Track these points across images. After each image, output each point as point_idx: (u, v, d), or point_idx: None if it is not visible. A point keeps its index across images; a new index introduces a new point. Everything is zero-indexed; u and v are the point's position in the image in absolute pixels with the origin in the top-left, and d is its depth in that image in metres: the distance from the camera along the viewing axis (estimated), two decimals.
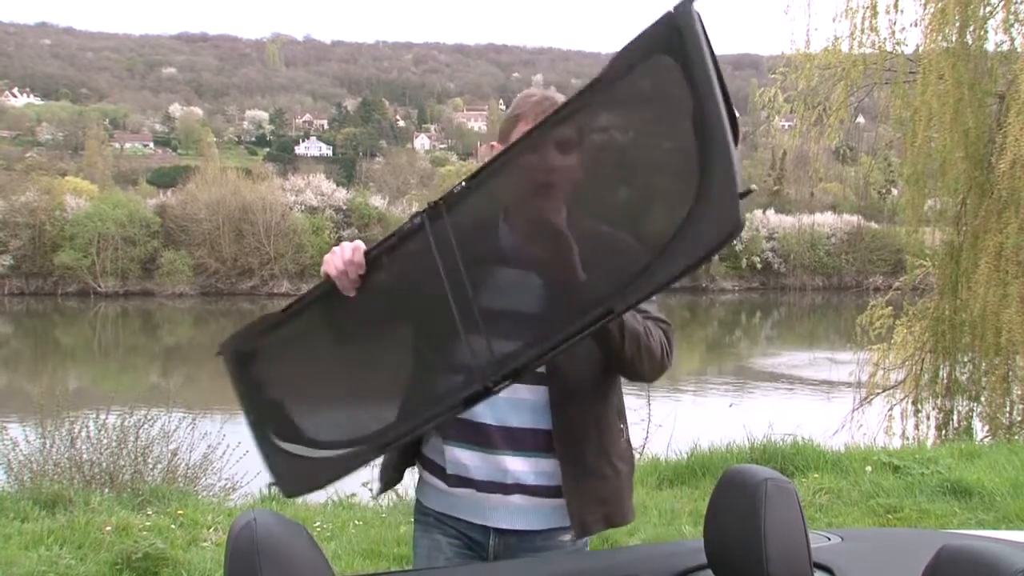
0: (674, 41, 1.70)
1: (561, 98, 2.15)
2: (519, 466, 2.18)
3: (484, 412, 2.16)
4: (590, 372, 2.19)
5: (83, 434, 7.57)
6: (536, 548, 2.23)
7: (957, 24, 11.09)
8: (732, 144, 1.68)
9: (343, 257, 2.01)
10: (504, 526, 2.22)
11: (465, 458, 2.21)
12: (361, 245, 2.03)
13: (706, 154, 1.69)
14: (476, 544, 2.27)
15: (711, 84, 1.68)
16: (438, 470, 2.27)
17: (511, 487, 2.19)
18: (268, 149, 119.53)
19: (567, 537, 2.23)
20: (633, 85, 1.79)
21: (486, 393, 1.93)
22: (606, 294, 1.83)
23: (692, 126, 1.70)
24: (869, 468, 6.58)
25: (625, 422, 2.32)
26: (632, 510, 2.32)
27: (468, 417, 2.13)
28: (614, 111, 1.86)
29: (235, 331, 2.24)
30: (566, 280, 1.87)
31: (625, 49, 1.76)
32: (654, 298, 2.05)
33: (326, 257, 2.06)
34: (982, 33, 11.26)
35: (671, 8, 1.70)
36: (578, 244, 1.85)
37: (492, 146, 2.26)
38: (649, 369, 2.15)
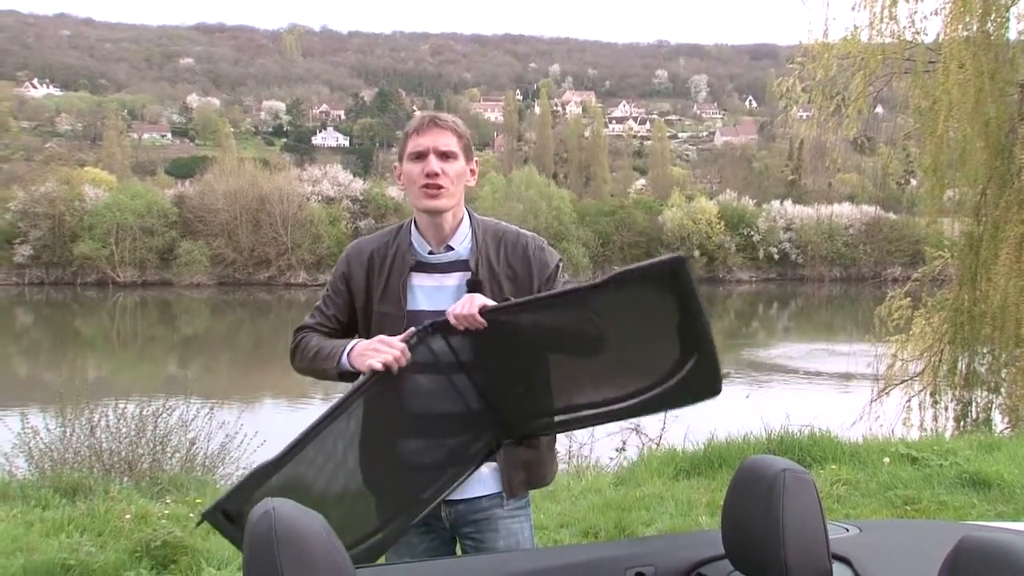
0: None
1: (447, 118, 2.56)
2: None
3: None
4: None
5: (102, 423, 7.62)
6: (483, 509, 2.55)
7: (978, 12, 10.99)
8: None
9: (393, 351, 2.31)
10: (451, 497, 2.50)
11: None
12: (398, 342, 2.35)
13: (702, 342, 2.23)
14: (433, 519, 2.54)
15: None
16: None
17: None
18: (285, 140, 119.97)
19: (509, 500, 2.57)
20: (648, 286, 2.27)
21: (497, 448, 2.48)
22: (603, 400, 2.40)
23: (685, 326, 2.24)
24: (887, 459, 6.55)
25: None
26: (552, 474, 2.70)
27: None
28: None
29: (221, 496, 2.25)
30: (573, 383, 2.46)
31: (639, 268, 2.22)
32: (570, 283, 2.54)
33: (371, 359, 2.31)
34: (1003, 22, 11.16)
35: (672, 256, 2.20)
36: (598, 361, 2.39)
37: (394, 166, 2.69)
38: None
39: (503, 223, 2.67)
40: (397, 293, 2.53)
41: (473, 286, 2.47)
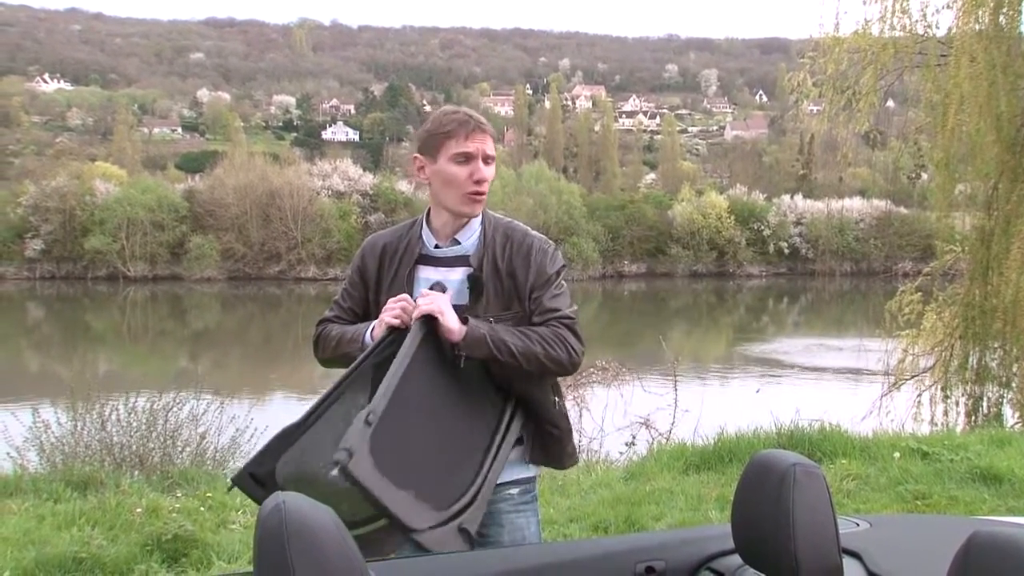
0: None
1: (486, 122, 2.57)
2: None
3: None
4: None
5: (113, 417, 7.64)
6: (490, 500, 2.47)
7: (990, 6, 10.94)
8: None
9: (401, 303, 2.44)
10: None
11: None
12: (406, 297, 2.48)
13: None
14: None
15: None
16: None
17: None
18: (295, 134, 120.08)
19: (515, 491, 2.57)
20: None
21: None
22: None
23: None
24: (897, 454, 6.54)
25: (559, 395, 2.68)
26: (570, 458, 2.69)
27: None
28: None
29: (248, 460, 2.28)
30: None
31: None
32: (566, 291, 2.57)
33: (386, 316, 2.44)
34: (1016, 15, 11.11)
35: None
36: None
37: (415, 158, 2.64)
38: (558, 370, 2.52)
39: (517, 223, 2.68)
40: (403, 284, 2.56)
41: (474, 282, 2.51)
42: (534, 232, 2.65)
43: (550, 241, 2.65)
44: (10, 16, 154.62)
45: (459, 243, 2.58)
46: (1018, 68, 11.20)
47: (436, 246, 2.59)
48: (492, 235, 2.58)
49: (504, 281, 2.53)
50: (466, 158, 2.49)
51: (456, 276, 2.55)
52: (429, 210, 2.65)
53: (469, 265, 2.55)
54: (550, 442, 2.61)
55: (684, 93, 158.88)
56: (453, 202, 2.53)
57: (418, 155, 2.61)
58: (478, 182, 2.49)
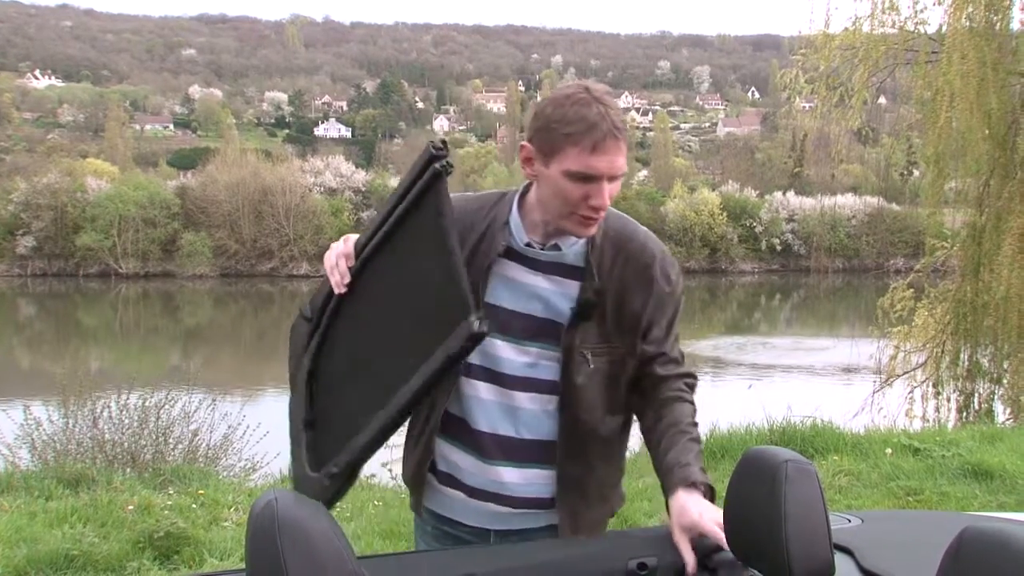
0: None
1: (621, 123, 1.89)
2: (511, 477, 2.08)
3: (477, 416, 2.07)
4: (603, 387, 2.09)
5: (105, 414, 7.64)
6: None
7: (981, 3, 10.98)
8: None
9: (335, 251, 2.09)
10: (500, 527, 2.13)
11: (456, 458, 2.11)
12: (352, 236, 2.12)
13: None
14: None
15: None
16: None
17: (502, 498, 2.09)
18: (287, 131, 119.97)
19: None
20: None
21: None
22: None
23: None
24: (889, 450, 6.56)
25: (628, 432, 2.29)
26: (619, 501, 2.34)
27: (460, 415, 2.09)
28: None
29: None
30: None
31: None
32: (676, 334, 2.15)
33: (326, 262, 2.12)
34: (1006, 12, 11.15)
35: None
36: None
37: (523, 146, 1.97)
38: None
39: (630, 221, 2.10)
40: (478, 276, 2.00)
41: (585, 307, 2.00)
42: (652, 238, 2.10)
43: (669, 254, 2.11)
44: (0, 12, 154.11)
45: (559, 249, 2.01)
46: (1008, 65, 11.25)
47: (527, 244, 2.03)
48: (600, 242, 2.01)
49: (610, 304, 2.01)
50: (585, 177, 1.87)
51: (549, 286, 2.03)
52: (524, 194, 2.07)
53: (575, 277, 2.01)
54: (601, 512, 2.23)
55: (677, 90, 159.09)
56: (559, 217, 1.96)
57: (528, 144, 1.96)
58: (595, 208, 1.91)
